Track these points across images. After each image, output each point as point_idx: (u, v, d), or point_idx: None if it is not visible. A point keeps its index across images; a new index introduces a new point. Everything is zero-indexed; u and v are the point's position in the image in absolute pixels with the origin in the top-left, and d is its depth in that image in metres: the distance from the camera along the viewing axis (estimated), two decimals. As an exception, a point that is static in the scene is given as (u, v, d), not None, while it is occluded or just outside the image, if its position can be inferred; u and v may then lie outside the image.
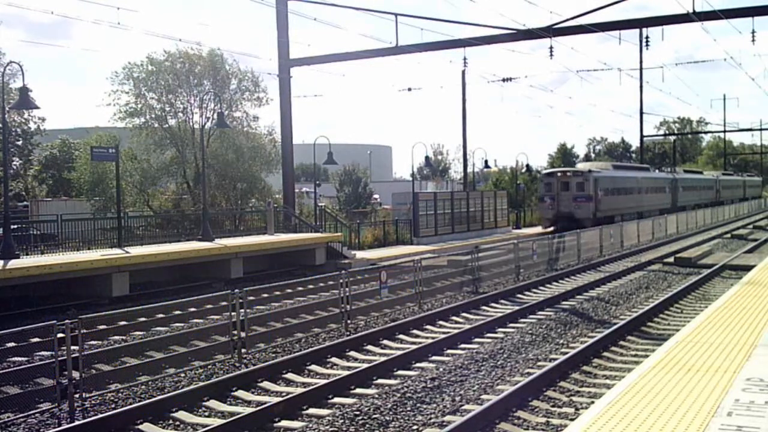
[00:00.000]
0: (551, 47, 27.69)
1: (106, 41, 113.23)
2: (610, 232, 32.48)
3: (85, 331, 11.21)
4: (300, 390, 10.84)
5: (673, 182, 59.32)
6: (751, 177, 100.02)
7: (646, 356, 9.79)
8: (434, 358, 12.92)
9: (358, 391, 10.90)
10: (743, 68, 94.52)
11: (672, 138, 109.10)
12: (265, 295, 18.72)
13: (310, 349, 13.41)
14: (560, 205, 43.65)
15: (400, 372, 12.01)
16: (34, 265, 18.40)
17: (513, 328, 15.54)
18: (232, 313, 13.20)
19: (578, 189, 43.63)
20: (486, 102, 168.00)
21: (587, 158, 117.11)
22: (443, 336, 14.42)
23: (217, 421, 9.52)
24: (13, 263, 18.67)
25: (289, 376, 11.93)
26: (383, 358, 12.74)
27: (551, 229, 41.05)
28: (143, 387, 11.40)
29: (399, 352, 13.10)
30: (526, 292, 20.60)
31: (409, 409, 9.94)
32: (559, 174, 45.95)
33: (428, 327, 15.93)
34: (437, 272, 23.17)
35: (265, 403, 10.20)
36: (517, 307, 17.58)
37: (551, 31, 27.18)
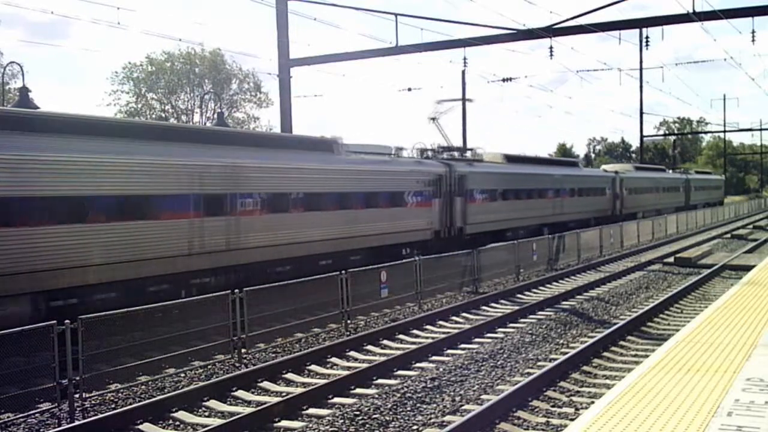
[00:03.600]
0: (551, 47, 27.67)
1: (105, 41, 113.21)
2: (610, 232, 32.48)
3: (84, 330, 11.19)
4: (300, 390, 10.85)
5: (444, 183, 26.90)
6: (705, 175, 75.54)
7: (646, 356, 9.79)
8: (434, 358, 12.92)
9: (358, 391, 10.90)
10: (743, 68, 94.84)
11: (672, 138, 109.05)
12: (266, 295, 18.67)
13: (310, 349, 13.42)
14: None
15: (400, 372, 12.01)
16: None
17: (513, 328, 15.54)
18: (232, 313, 13.20)
19: None
20: (486, 102, 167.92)
21: (587, 158, 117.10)
22: (443, 336, 14.42)
23: (217, 421, 9.53)
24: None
25: (289, 376, 11.93)
26: (383, 358, 12.74)
27: None
28: (143, 387, 11.41)
29: (399, 352, 13.11)
30: (526, 292, 20.60)
31: (409, 409, 9.94)
32: None
33: (428, 327, 15.93)
34: (437, 272, 23.15)
35: (265, 403, 10.20)
36: (517, 307, 17.59)
37: (551, 31, 27.17)
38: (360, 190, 22.57)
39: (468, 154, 31.91)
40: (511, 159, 34.99)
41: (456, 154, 30.70)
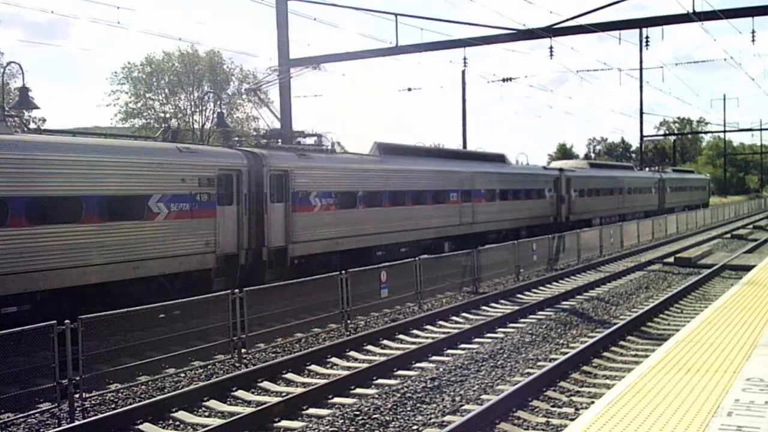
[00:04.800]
0: (551, 47, 27.64)
1: (105, 41, 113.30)
2: (611, 232, 32.49)
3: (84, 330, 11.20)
4: (300, 390, 10.85)
5: (243, 183, 18.54)
6: (686, 174, 65.49)
7: (646, 356, 9.79)
8: (434, 358, 12.92)
9: (358, 391, 10.90)
10: (743, 68, 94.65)
11: (672, 138, 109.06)
12: (266, 295, 18.68)
13: (310, 349, 13.42)
14: None
15: (400, 372, 12.01)
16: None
17: (513, 328, 15.54)
18: (232, 313, 13.20)
19: None
20: (486, 102, 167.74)
21: (587, 158, 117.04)
22: (443, 336, 14.42)
23: (217, 421, 9.53)
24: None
25: (289, 376, 11.93)
26: (383, 358, 12.74)
27: None
28: (143, 387, 11.41)
29: (399, 352, 13.11)
30: (526, 292, 20.59)
31: (409, 409, 9.94)
32: None
33: (428, 327, 15.93)
34: (437, 272, 23.15)
35: (265, 403, 10.21)
36: (517, 307, 17.59)
37: (551, 31, 27.15)
38: (26, 194, 13.53)
39: (309, 141, 23.82)
40: (387, 150, 25.67)
41: (298, 141, 23.46)
